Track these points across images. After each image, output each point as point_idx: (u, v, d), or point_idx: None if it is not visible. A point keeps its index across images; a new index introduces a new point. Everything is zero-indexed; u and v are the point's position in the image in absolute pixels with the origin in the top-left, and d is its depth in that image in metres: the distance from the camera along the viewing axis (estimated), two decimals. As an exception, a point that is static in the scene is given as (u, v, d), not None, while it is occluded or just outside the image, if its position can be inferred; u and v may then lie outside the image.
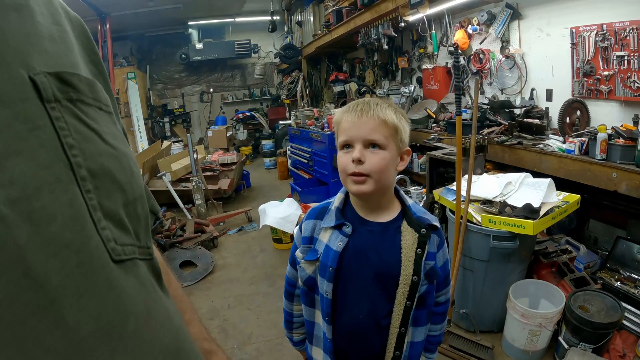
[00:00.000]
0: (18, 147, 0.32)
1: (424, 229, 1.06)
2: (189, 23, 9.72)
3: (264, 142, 8.26)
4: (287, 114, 8.18)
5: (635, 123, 2.61)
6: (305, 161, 5.37)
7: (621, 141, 2.36)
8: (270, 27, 7.91)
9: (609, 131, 2.46)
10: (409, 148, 1.10)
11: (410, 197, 3.60)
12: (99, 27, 7.67)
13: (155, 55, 10.32)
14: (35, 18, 0.40)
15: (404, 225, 1.08)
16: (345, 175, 1.05)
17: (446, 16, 4.48)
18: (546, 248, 2.47)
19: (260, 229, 4.29)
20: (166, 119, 9.95)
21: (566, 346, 2.00)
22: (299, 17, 8.47)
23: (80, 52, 0.47)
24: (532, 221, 2.04)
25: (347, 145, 1.05)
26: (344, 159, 1.05)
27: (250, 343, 2.62)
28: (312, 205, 3.75)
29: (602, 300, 2.01)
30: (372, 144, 1.02)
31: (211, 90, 10.66)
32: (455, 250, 2.35)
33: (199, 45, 9.65)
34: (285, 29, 9.01)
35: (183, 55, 9.74)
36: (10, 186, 0.30)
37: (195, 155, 4.75)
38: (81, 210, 0.35)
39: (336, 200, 1.15)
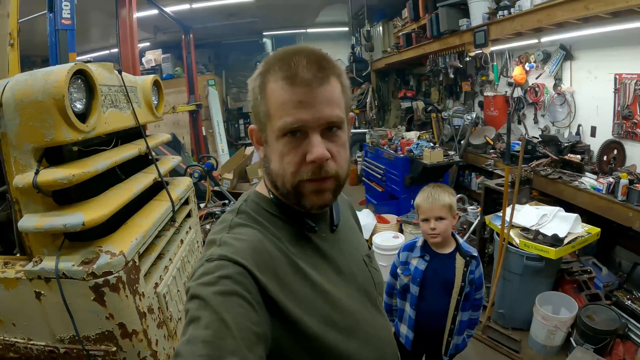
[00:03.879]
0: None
1: (468, 257, 1.90)
2: (264, 33, 10.78)
3: (333, 149, 9.02)
4: (356, 123, 8.90)
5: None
6: (379, 176, 5.87)
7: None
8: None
9: (631, 177, 3.01)
10: (457, 212, 1.98)
11: (467, 214, 4.29)
12: (183, 38, 8.48)
13: (230, 61, 11.47)
14: (350, 221, 1.07)
15: (457, 255, 1.93)
16: (426, 235, 1.93)
17: (507, 52, 5.02)
18: (572, 267, 3.09)
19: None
20: (241, 121, 11.18)
21: (574, 345, 2.67)
22: (369, 28, 9.03)
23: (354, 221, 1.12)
24: (554, 249, 2.71)
25: (426, 220, 1.91)
26: (425, 227, 1.92)
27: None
28: (385, 216, 4.60)
29: (607, 313, 2.65)
30: (439, 218, 1.88)
31: (283, 93, 11.65)
32: (498, 264, 3.06)
33: (272, 54, 10.62)
34: (354, 40, 9.69)
35: (257, 63, 10.60)
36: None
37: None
38: (374, 293, 0.96)
39: (420, 240, 2.01)
